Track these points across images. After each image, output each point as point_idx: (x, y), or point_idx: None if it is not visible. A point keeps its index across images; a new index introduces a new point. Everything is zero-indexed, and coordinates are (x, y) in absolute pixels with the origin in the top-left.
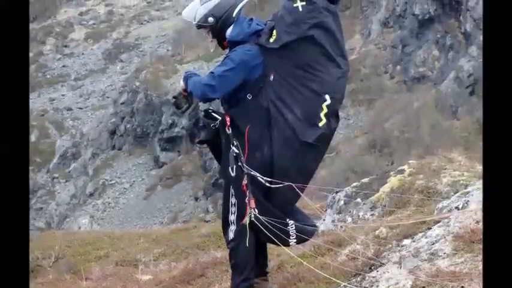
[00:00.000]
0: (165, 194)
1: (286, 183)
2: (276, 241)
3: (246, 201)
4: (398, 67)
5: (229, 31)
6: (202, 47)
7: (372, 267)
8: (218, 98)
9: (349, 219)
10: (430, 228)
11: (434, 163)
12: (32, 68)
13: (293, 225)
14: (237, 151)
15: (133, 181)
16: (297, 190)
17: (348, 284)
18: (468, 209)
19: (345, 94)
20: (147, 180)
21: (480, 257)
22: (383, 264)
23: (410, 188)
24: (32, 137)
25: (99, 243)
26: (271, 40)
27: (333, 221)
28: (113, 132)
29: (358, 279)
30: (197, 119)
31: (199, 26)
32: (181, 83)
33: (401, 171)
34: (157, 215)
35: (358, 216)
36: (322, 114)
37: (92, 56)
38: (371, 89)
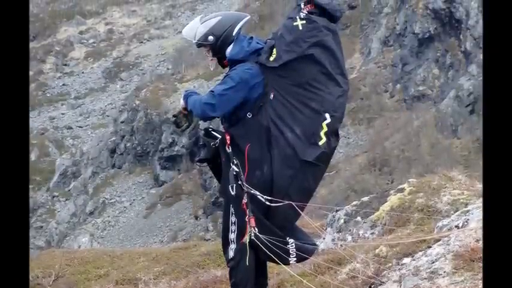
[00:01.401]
0: (165, 213)
1: (286, 202)
2: (276, 260)
3: (246, 219)
4: (398, 86)
5: (229, 50)
6: (202, 66)
7: (372, 286)
8: (218, 117)
9: (349, 238)
10: (430, 247)
11: (434, 182)
12: (32, 86)
13: (293, 244)
14: (237, 170)
15: (133, 200)
16: (297, 209)
17: None
18: (468, 227)
19: (345, 113)
20: (147, 198)
21: (480, 276)
22: (383, 282)
23: (410, 207)
24: (32, 156)
25: (99, 262)
26: (271, 59)
27: (333, 240)
28: (113, 151)
29: None
30: (197, 138)
31: (199, 45)
32: (182, 101)
33: (401, 190)
34: (157, 234)
35: (358, 234)
36: (322, 133)
37: (92, 74)
38: (371, 107)
